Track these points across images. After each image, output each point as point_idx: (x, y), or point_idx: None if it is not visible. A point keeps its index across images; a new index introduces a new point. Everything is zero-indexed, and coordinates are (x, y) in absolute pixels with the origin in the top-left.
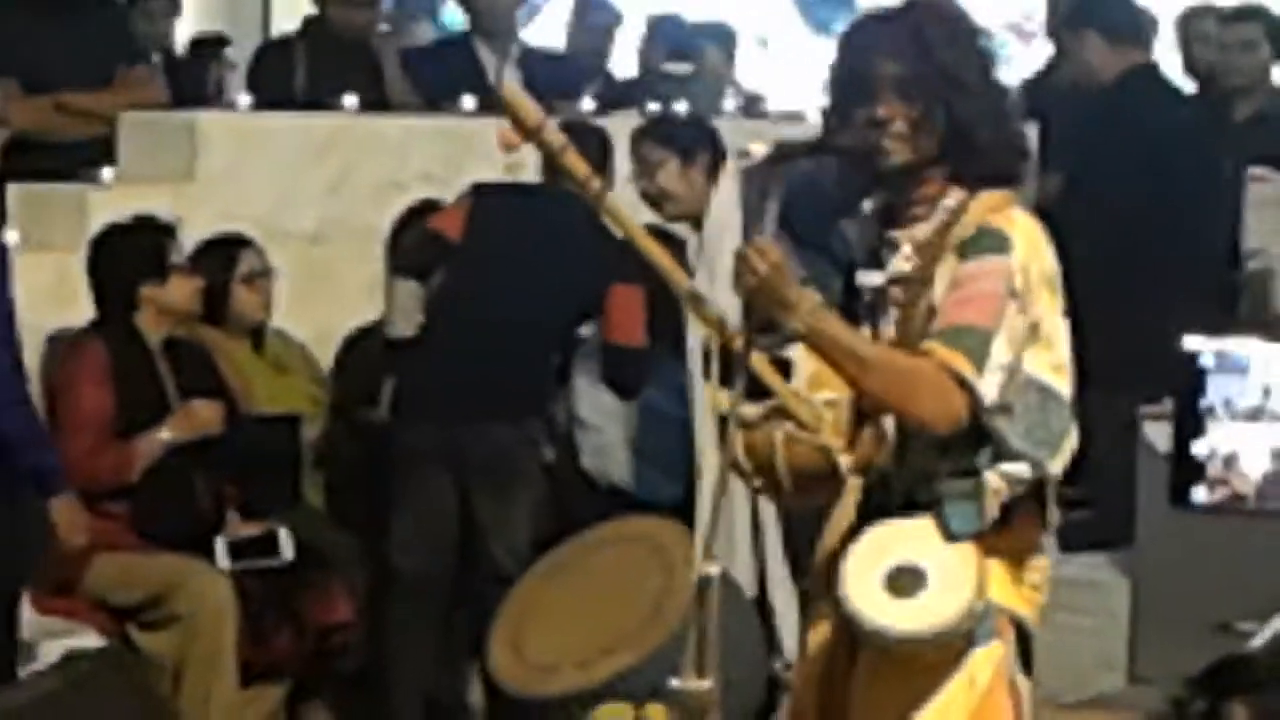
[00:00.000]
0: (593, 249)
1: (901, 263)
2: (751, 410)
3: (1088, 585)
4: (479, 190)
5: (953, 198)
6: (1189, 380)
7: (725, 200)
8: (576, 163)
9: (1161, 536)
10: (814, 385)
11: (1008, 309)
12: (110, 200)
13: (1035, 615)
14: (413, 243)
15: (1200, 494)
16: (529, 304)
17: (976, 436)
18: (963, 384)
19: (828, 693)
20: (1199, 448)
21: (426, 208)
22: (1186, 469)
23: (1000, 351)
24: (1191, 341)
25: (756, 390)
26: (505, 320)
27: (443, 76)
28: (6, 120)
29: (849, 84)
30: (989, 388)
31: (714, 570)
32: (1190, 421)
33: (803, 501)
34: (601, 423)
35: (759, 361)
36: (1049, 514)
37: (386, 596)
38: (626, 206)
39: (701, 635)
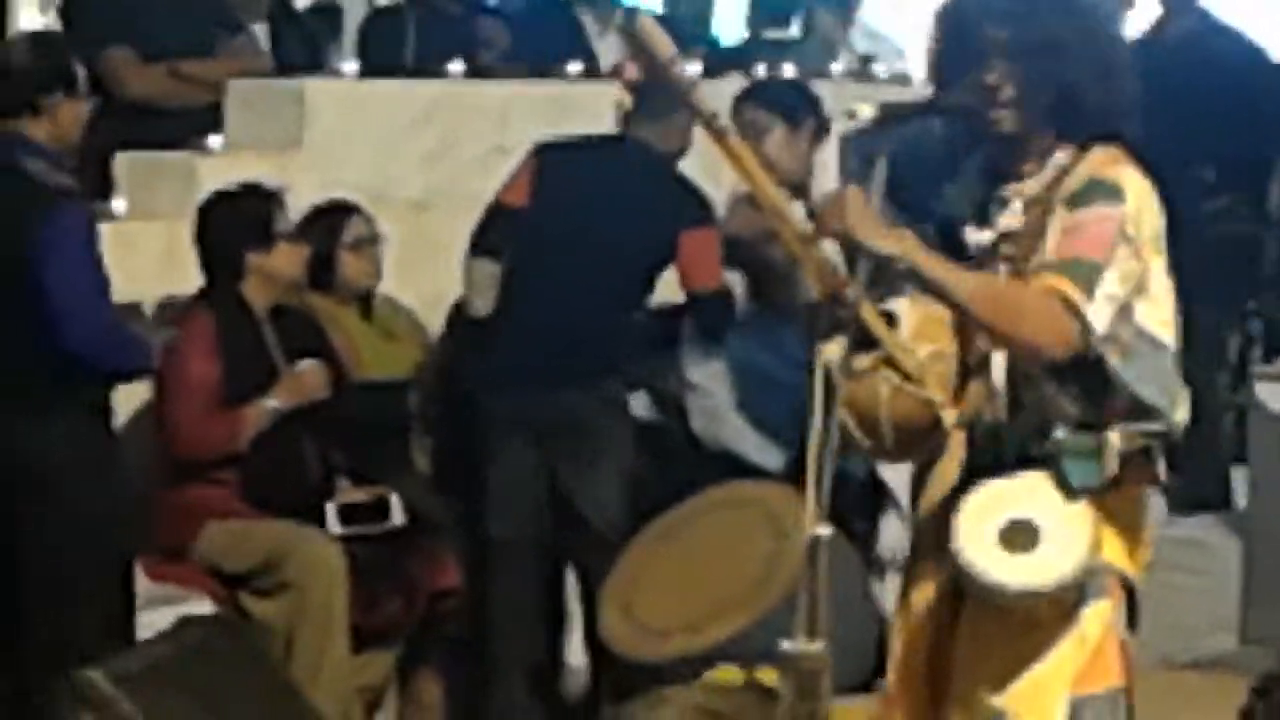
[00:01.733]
0: (661, 196)
1: (1011, 219)
2: (857, 362)
3: (1199, 546)
4: (542, 150)
5: (1063, 153)
6: None
7: (827, 167)
8: (704, 100)
9: (1275, 498)
10: (918, 338)
11: (1119, 249)
12: (218, 168)
13: (1139, 571)
14: (483, 220)
15: None
16: (601, 261)
17: (1092, 387)
18: (1072, 309)
19: (933, 650)
20: None
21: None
22: None
23: (1111, 283)
24: None
25: (861, 342)
26: (577, 281)
27: (545, 41)
28: (126, 88)
29: (956, 47)
30: (1099, 316)
31: (824, 531)
32: None
33: (904, 457)
34: (711, 386)
35: (866, 311)
36: (1158, 470)
37: (486, 562)
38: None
39: (812, 597)
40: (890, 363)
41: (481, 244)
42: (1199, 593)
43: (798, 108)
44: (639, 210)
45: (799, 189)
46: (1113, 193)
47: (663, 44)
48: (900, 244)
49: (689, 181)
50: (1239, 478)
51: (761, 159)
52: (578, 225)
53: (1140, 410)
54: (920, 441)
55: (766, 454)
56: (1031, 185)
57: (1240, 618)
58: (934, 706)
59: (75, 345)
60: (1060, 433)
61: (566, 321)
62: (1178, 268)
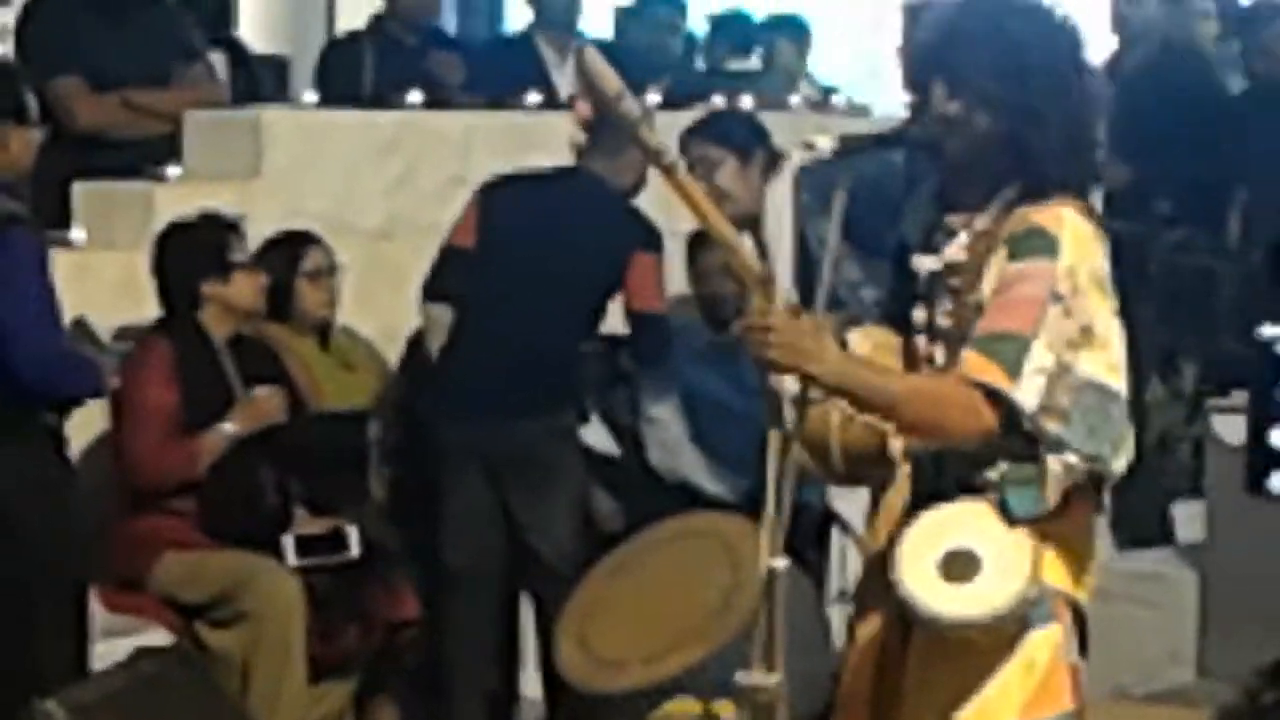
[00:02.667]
0: (610, 225)
1: (957, 251)
2: (810, 391)
3: (1157, 578)
4: (486, 189)
5: (1012, 189)
6: (1267, 368)
7: (779, 201)
8: (650, 135)
9: (1231, 531)
10: None
11: (1049, 313)
12: (176, 198)
13: (1087, 594)
14: (436, 264)
15: (1277, 482)
16: (550, 292)
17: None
18: (994, 395)
19: (879, 681)
20: (1276, 437)
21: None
22: (1262, 457)
23: (1040, 356)
24: (1268, 330)
25: None
26: (527, 313)
27: (505, 73)
28: (74, 118)
29: (908, 74)
30: (1028, 394)
31: (780, 563)
32: (1266, 410)
33: (855, 484)
34: (668, 418)
35: None
36: (1102, 497)
37: (442, 593)
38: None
39: (769, 629)
40: None
41: (434, 289)
42: (1156, 625)
43: (748, 140)
44: (588, 240)
45: (752, 222)
46: (1048, 247)
47: (608, 78)
48: (818, 365)
49: (639, 211)
50: (1191, 511)
51: (713, 194)
52: (525, 259)
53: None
54: (871, 468)
55: (723, 485)
56: (980, 219)
57: (1197, 650)
58: None
59: (27, 373)
60: (1002, 463)
61: (517, 354)
62: (1135, 299)
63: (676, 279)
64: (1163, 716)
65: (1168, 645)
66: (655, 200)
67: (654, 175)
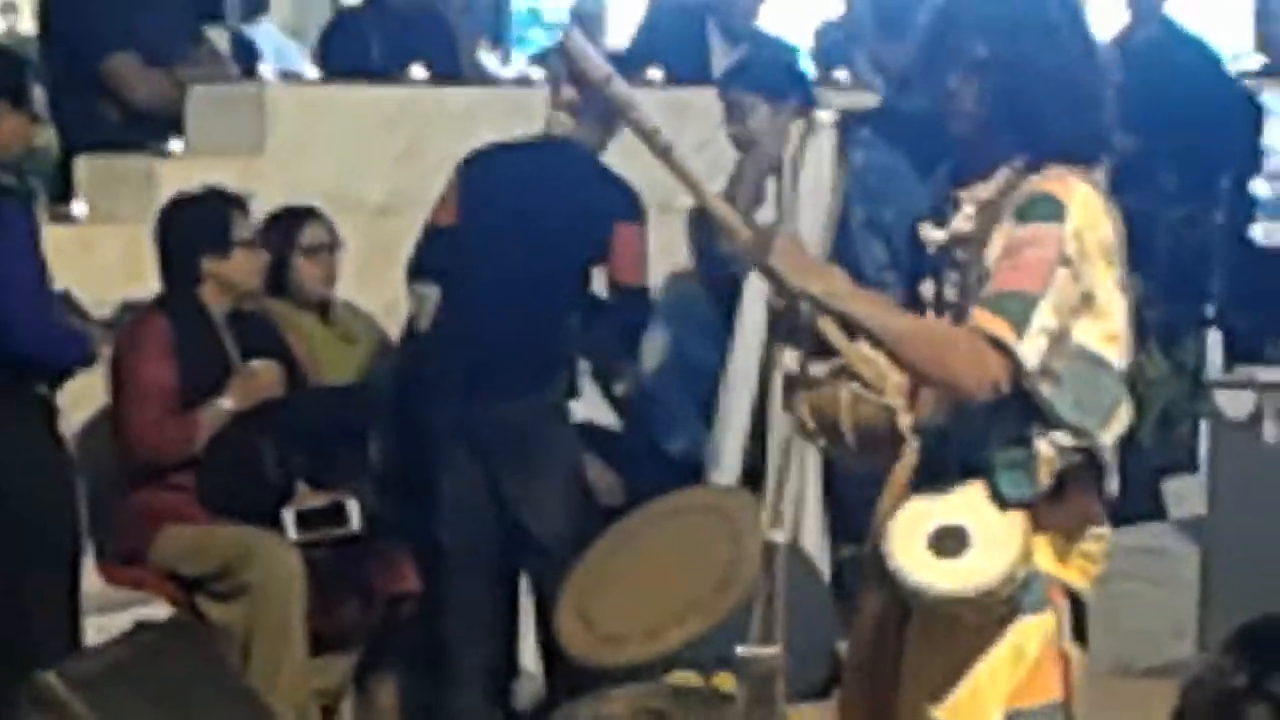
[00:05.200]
0: (591, 190)
1: (962, 222)
2: (815, 369)
3: (1157, 553)
4: (467, 163)
5: (1019, 159)
6: None
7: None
8: (644, 116)
9: (1232, 505)
10: None
11: (1056, 275)
12: (179, 172)
13: (1089, 584)
14: (419, 243)
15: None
16: (535, 263)
17: (1029, 404)
18: (1002, 349)
19: (879, 656)
20: None
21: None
22: None
23: (1044, 316)
24: None
25: (822, 349)
26: (512, 286)
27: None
28: (133, 94)
29: (921, 49)
30: (1030, 352)
31: (779, 537)
32: None
33: (868, 462)
34: (670, 392)
35: (825, 321)
36: (1107, 484)
37: (440, 569)
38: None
39: (768, 602)
40: (849, 371)
41: (419, 267)
42: (1156, 600)
43: (782, 86)
44: (570, 210)
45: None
46: (1055, 211)
47: (594, 64)
48: (826, 283)
49: (621, 179)
50: (1187, 486)
51: (748, 137)
52: (507, 233)
53: (1059, 425)
54: (883, 447)
55: (725, 459)
56: (983, 190)
57: (1198, 625)
58: (885, 714)
59: (19, 345)
60: (994, 443)
61: (503, 330)
62: (1142, 274)
63: (679, 253)
64: (1164, 691)
65: (1168, 620)
66: (657, 175)
67: (629, 143)
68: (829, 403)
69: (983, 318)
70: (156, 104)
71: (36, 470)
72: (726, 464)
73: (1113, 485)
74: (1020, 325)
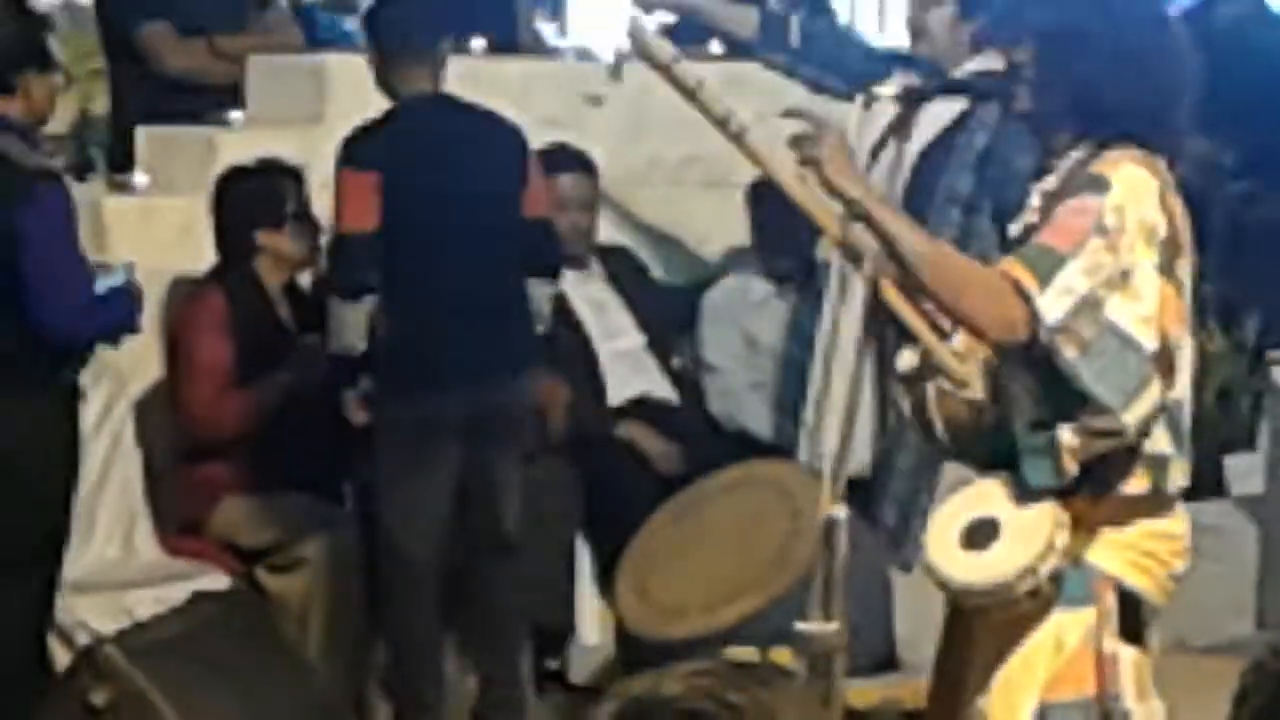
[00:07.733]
0: (496, 135)
1: (1031, 214)
2: (901, 362)
3: (1216, 531)
4: (360, 162)
5: (1083, 149)
6: None
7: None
8: (712, 101)
9: None
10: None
11: (1090, 241)
12: (239, 143)
13: (1153, 584)
14: (335, 259)
15: None
16: (476, 246)
17: (1048, 383)
18: (1024, 297)
19: (949, 644)
20: None
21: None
22: None
23: (1073, 277)
24: None
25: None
26: (459, 275)
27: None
28: (165, 63)
29: (994, 24)
30: (1051, 306)
31: (840, 512)
32: None
33: (960, 458)
34: (727, 366)
35: (912, 314)
36: (1170, 477)
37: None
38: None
39: (828, 578)
40: (934, 366)
41: (339, 285)
42: (1215, 577)
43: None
44: (490, 160)
45: None
46: (1098, 184)
47: (660, 49)
48: (862, 189)
49: (498, 112)
50: (1248, 464)
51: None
52: (443, 201)
53: (1091, 407)
54: (970, 438)
55: (783, 433)
56: (1050, 181)
57: (1257, 603)
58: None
59: (55, 328)
60: (1018, 429)
61: (457, 316)
62: (1200, 251)
63: (738, 230)
64: (1222, 668)
65: (1227, 597)
66: (714, 150)
67: (687, 116)
68: (918, 398)
69: (1009, 264)
70: (192, 74)
71: (57, 460)
72: (830, 445)
73: (1176, 479)
74: (1045, 279)
